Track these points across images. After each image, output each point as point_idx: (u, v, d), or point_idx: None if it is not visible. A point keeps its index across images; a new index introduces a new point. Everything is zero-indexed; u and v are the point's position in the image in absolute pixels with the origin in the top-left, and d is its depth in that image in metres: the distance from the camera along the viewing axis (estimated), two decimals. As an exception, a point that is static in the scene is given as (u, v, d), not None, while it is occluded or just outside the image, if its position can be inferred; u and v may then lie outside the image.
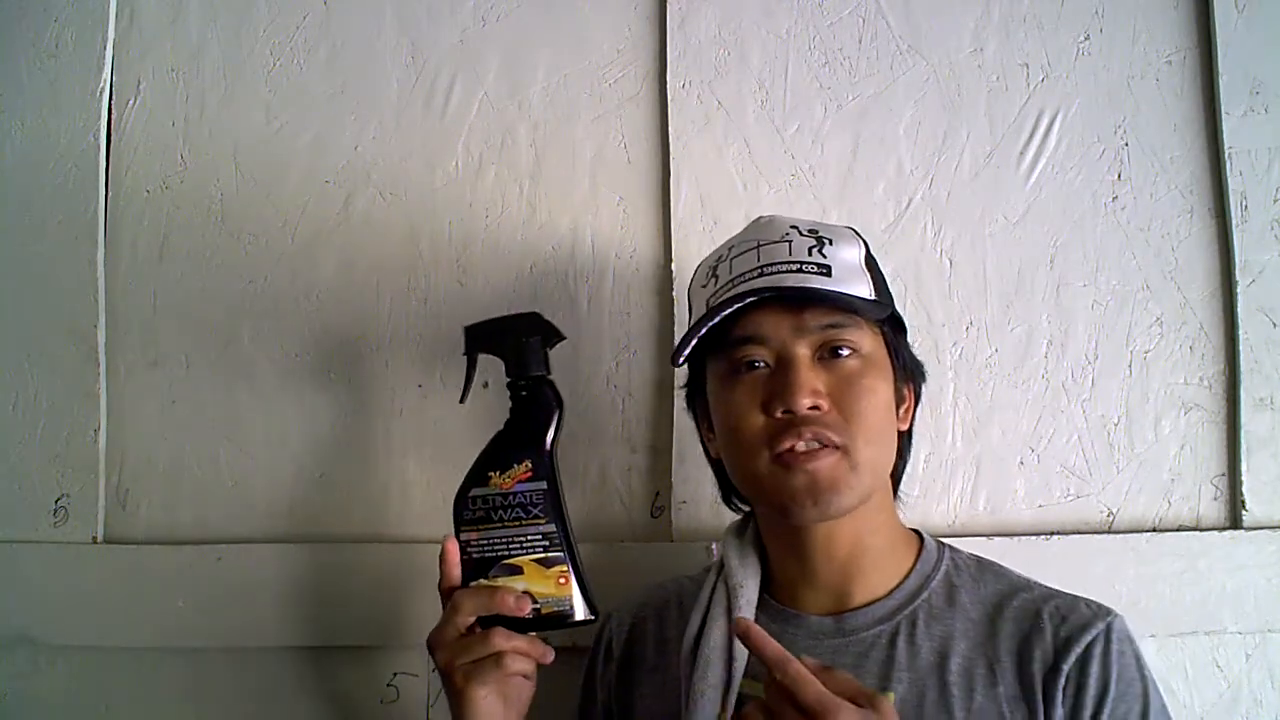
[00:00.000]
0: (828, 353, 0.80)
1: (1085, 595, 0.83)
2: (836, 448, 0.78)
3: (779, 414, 0.78)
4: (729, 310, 0.79)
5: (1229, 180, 1.09)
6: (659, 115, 1.15)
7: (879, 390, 0.80)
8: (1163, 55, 1.13)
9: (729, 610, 0.84)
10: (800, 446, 0.77)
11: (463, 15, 1.18)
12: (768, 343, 0.80)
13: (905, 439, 0.89)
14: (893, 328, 0.85)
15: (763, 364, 0.81)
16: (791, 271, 0.80)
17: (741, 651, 0.81)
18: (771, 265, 0.81)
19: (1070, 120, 1.12)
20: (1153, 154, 1.12)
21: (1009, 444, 1.09)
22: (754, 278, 0.80)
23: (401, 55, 1.18)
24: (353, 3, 1.20)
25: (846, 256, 0.82)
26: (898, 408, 0.85)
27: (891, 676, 0.79)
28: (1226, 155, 1.10)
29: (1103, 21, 1.13)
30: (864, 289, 0.81)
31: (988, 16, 1.14)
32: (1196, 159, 1.11)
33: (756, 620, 0.84)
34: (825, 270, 0.80)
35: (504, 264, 1.15)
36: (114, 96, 1.20)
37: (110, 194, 1.19)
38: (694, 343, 0.81)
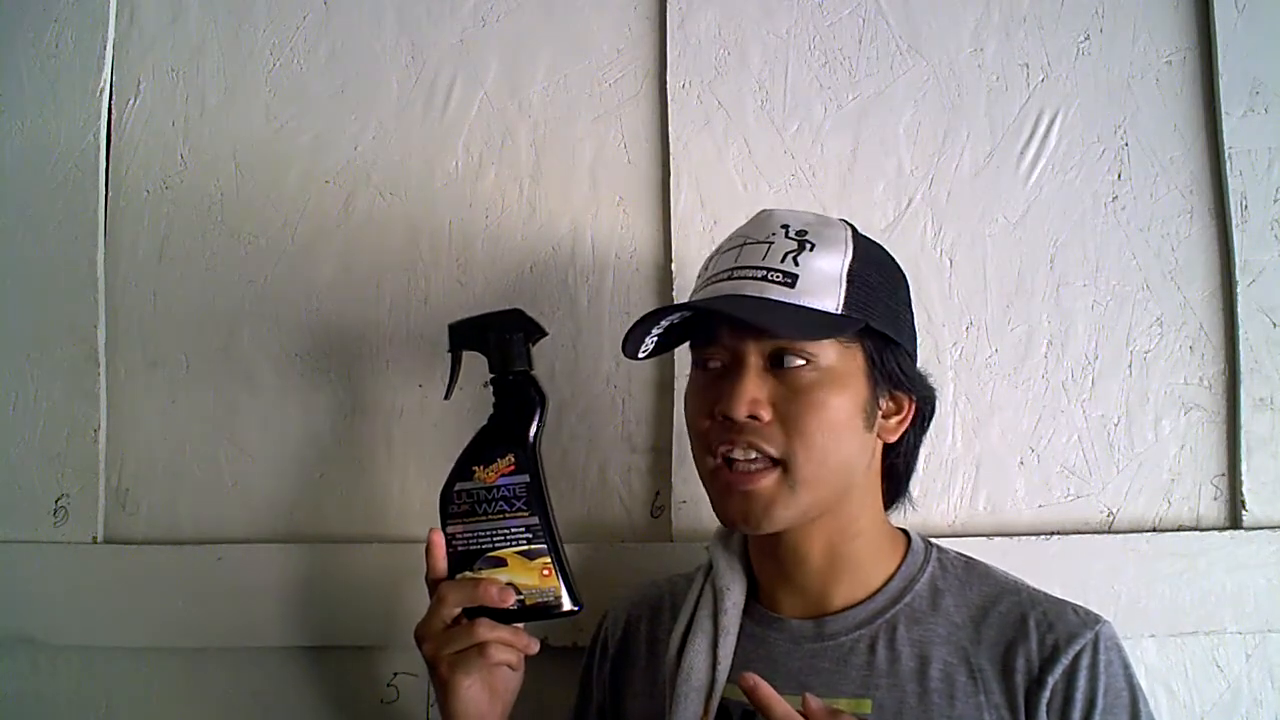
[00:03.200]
0: (780, 362, 0.79)
1: (1083, 596, 0.82)
2: (775, 462, 0.78)
3: (720, 418, 0.79)
4: (675, 316, 0.80)
5: (1229, 180, 1.09)
6: (659, 115, 1.15)
7: (831, 405, 0.78)
8: (1163, 55, 1.13)
9: (714, 613, 0.84)
10: (737, 454, 0.78)
11: (463, 15, 1.18)
12: (724, 347, 0.81)
13: (905, 449, 0.87)
14: (878, 338, 0.81)
15: (719, 365, 0.81)
16: (755, 279, 0.79)
17: (725, 655, 0.82)
18: (741, 269, 0.80)
19: (1070, 120, 1.12)
20: (1153, 154, 1.12)
21: (1009, 444, 1.09)
22: (723, 279, 0.81)
23: (401, 55, 1.18)
24: (353, 3, 1.19)
25: (823, 265, 0.79)
26: (885, 418, 0.83)
27: (870, 683, 0.78)
28: (1226, 155, 1.10)
29: (1103, 21, 1.13)
30: (829, 302, 0.78)
31: (988, 16, 1.14)
32: (1196, 159, 1.11)
33: (741, 624, 0.84)
34: (790, 280, 0.78)
35: (504, 264, 1.15)
36: (114, 96, 1.20)
37: (110, 194, 1.19)
38: (653, 341, 0.82)
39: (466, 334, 0.95)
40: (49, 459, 1.16)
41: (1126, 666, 0.78)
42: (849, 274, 0.80)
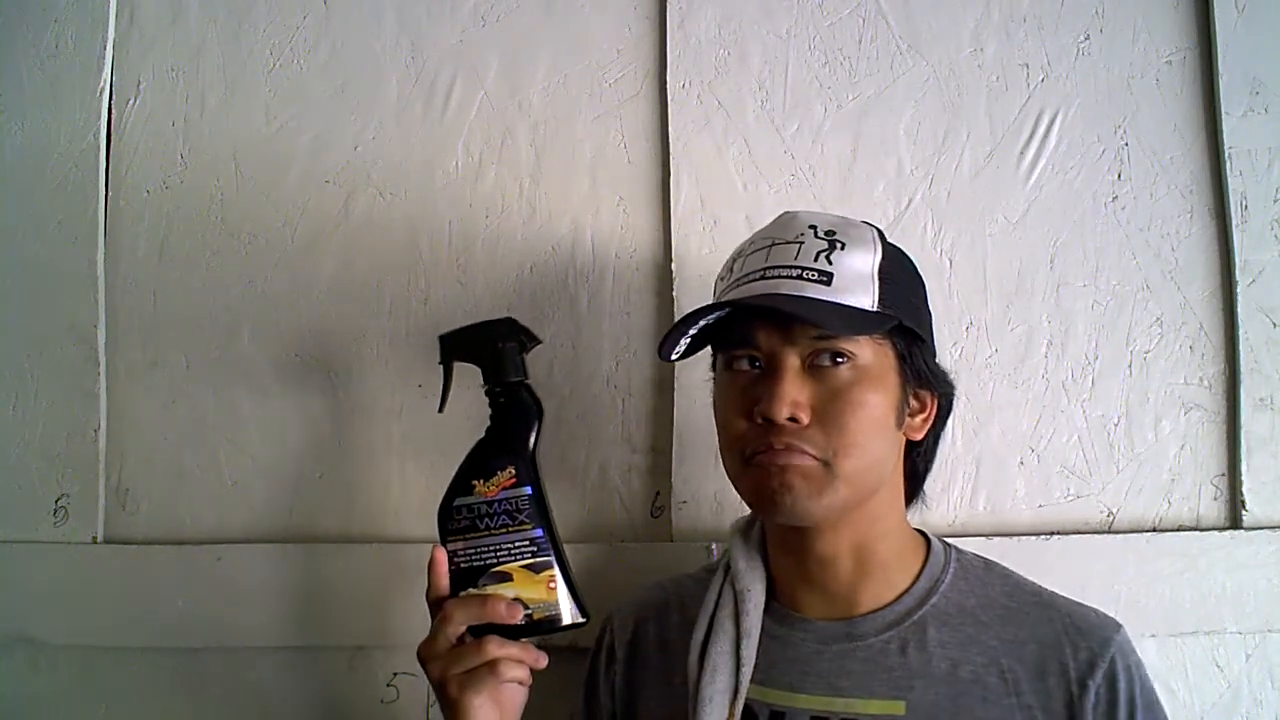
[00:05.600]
0: (820, 361, 0.78)
1: (1083, 596, 0.83)
2: (815, 459, 0.77)
3: (759, 420, 0.78)
4: (712, 316, 0.79)
5: (1229, 180, 1.09)
6: (659, 115, 1.15)
7: (869, 403, 0.78)
8: (1163, 55, 1.13)
9: (736, 615, 0.84)
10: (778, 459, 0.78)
11: (463, 15, 1.18)
12: (760, 348, 0.80)
13: (926, 447, 0.87)
14: (906, 336, 0.82)
15: (756, 366, 0.80)
16: (790, 278, 0.79)
17: (749, 657, 0.81)
18: (774, 269, 0.80)
19: (1070, 120, 1.12)
20: (1153, 154, 1.12)
21: (1009, 444, 1.09)
22: (755, 279, 0.80)
23: (401, 55, 1.18)
24: (353, 3, 1.20)
25: (855, 263, 0.80)
26: (911, 416, 0.83)
27: (904, 684, 0.79)
28: (1226, 155, 1.10)
29: (1103, 21, 1.13)
30: (865, 299, 0.79)
31: (988, 16, 1.14)
32: (1196, 159, 1.11)
33: (762, 624, 0.83)
34: (825, 278, 0.78)
35: (504, 264, 1.15)
36: (114, 96, 1.20)
37: (110, 194, 1.19)
38: (686, 342, 0.81)
39: (458, 345, 0.94)
40: (49, 459, 1.16)
41: (1143, 665, 0.80)
42: (880, 272, 0.80)
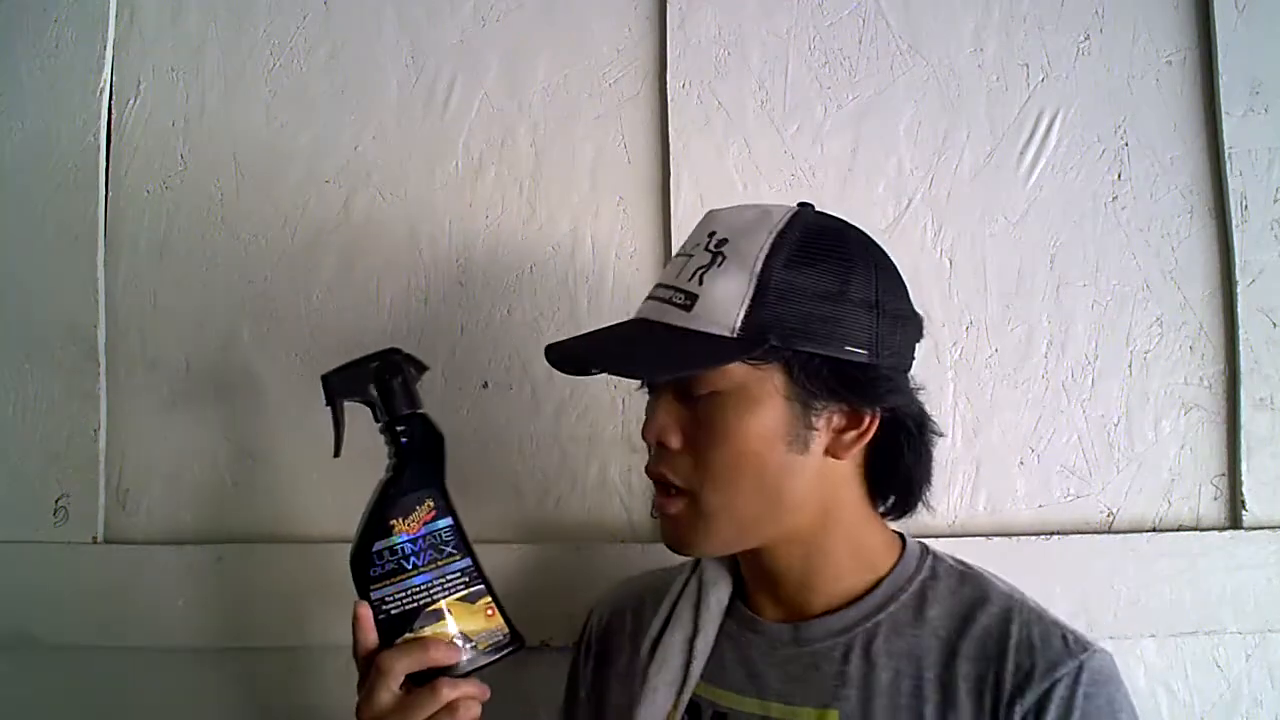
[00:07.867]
0: (685, 392, 0.76)
1: (1083, 596, 0.82)
2: (682, 491, 0.76)
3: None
4: (566, 368, 0.81)
5: (1229, 180, 1.09)
6: (659, 115, 1.15)
7: (737, 434, 0.73)
8: (1163, 55, 1.13)
9: (696, 608, 0.84)
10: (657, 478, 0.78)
11: (463, 15, 1.18)
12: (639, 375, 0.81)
13: (882, 462, 0.80)
14: (804, 351, 0.73)
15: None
16: (660, 300, 0.77)
17: (701, 651, 0.81)
18: (659, 288, 0.79)
19: (1070, 120, 1.12)
20: (1153, 154, 1.12)
21: (1009, 444, 1.09)
22: (646, 300, 0.80)
23: (401, 55, 1.18)
24: (353, 3, 1.19)
25: (726, 283, 0.73)
26: (840, 434, 0.76)
27: (839, 693, 0.76)
28: (1226, 155, 1.10)
29: (1103, 21, 1.13)
30: (724, 324, 0.72)
31: (988, 16, 1.14)
32: (1196, 159, 1.11)
33: (723, 623, 0.83)
34: (688, 302, 0.74)
35: (504, 264, 1.15)
36: (114, 96, 1.20)
37: (110, 194, 1.19)
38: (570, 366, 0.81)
39: (341, 386, 0.89)
40: (49, 459, 1.15)
41: (1112, 703, 0.71)
42: (757, 287, 0.73)
